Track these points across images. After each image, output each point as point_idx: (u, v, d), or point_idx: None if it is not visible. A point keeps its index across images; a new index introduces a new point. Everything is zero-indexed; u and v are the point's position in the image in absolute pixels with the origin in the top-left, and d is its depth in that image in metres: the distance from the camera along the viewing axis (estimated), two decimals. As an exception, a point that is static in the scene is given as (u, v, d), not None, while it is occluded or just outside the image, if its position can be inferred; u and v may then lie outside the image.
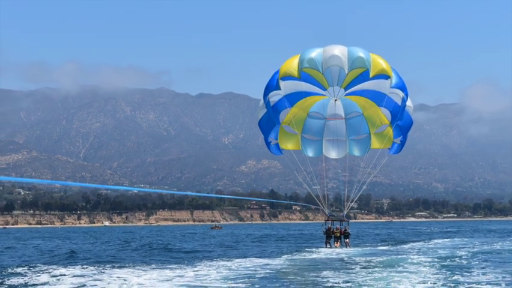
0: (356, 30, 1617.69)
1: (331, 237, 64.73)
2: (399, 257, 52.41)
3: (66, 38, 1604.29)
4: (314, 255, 56.27)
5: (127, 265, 47.05)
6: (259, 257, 54.85)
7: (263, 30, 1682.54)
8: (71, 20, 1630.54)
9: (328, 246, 64.62)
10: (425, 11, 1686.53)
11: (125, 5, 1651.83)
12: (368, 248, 68.63)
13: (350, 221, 68.23)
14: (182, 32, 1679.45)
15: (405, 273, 38.18)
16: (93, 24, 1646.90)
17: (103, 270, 42.04)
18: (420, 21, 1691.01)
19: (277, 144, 58.25)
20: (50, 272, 40.92)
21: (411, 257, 51.72)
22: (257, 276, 38.53)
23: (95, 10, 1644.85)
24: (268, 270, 42.02)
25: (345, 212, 63.74)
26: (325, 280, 35.58)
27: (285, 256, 56.05)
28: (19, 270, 43.11)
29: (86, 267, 44.59)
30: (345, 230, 64.85)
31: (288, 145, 57.99)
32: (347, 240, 65.00)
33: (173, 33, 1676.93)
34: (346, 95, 56.54)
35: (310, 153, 58.34)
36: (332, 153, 58.33)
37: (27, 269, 43.40)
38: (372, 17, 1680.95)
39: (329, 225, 64.74)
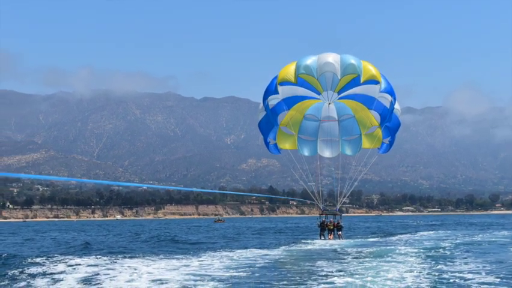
0: (348, 38, 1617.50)
1: (325, 229, 64.75)
2: (388, 248, 52.40)
3: (80, 45, 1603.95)
4: (309, 247, 56.24)
5: (137, 255, 47.03)
6: (259, 248, 54.83)
7: (263, 39, 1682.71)
8: (84, 28, 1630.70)
9: (322, 238, 64.60)
10: (412, 21, 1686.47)
11: (135, 15, 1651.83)
12: (359, 239, 68.59)
13: (343, 214, 68.19)
14: (188, 40, 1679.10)
15: (393, 263, 38.20)
16: (105, 33, 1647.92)
17: (115, 260, 42.02)
18: (409, 30, 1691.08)
19: (275, 144, 58.31)
20: (66, 262, 40.92)
21: (399, 248, 51.71)
22: (257, 265, 38.55)
23: (107, 19, 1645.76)
24: (267, 260, 42.03)
25: (338, 207, 63.64)
26: (319, 269, 35.59)
27: (283, 247, 56.02)
28: (38, 260, 43.11)
29: (100, 257, 44.57)
30: (338, 223, 64.84)
31: (286, 145, 58.09)
32: (340, 232, 65.00)
33: (180, 41, 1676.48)
34: (339, 98, 56.72)
35: (306, 152, 58.47)
36: (326, 153, 58.49)
37: (46, 259, 43.38)
38: (363, 26, 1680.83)
39: (323, 219, 64.76)
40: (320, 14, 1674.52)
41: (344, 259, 41.62)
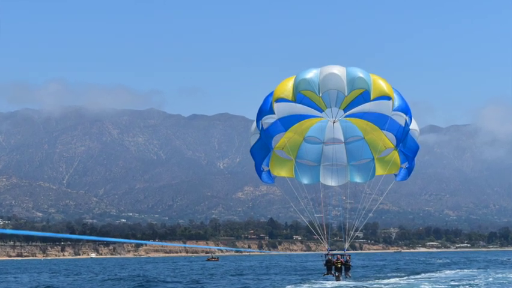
0: (359, 50, 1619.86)
1: (331, 268, 65.39)
2: (411, 284, 52.97)
3: (49, 55, 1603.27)
4: (320, 285, 56.67)
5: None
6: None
7: (259, 48, 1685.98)
8: (55, 36, 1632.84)
9: (330, 275, 65.22)
10: (435, 30, 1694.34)
11: (114, 22, 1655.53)
12: (376, 280, 68.89)
13: (355, 251, 68.59)
14: (174, 50, 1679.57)
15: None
16: (79, 42, 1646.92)
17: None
18: (430, 39, 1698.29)
19: (269, 171, 57.88)
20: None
21: (424, 285, 52.30)
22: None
23: (82, 26, 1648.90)
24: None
25: (346, 246, 63.35)
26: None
27: (289, 286, 56.56)
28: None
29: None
30: (347, 261, 65.27)
31: (281, 172, 57.49)
32: (348, 272, 65.50)
33: (166, 52, 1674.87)
34: (346, 116, 56.50)
35: (305, 180, 57.83)
36: (330, 181, 58.01)
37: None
38: (381, 36, 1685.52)
39: (329, 257, 65.40)
40: (330, 21, 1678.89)
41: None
